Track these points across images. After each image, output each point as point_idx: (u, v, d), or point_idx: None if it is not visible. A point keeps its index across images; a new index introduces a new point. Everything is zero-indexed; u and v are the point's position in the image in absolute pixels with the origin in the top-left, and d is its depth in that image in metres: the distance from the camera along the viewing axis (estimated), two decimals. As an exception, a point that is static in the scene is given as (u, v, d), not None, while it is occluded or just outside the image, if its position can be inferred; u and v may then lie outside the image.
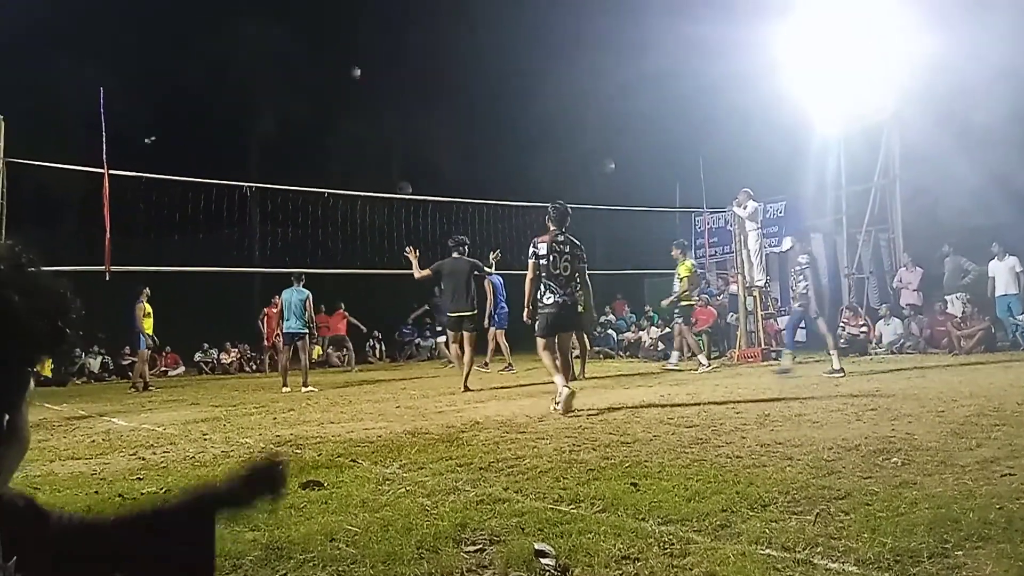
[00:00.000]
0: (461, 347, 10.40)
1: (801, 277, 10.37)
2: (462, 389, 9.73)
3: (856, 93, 15.78)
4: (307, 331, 12.20)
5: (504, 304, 13.72)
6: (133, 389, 13.46)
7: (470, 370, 10.18)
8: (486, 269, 13.02)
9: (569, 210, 7.69)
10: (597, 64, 24.46)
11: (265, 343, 18.54)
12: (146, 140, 22.09)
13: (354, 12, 27.86)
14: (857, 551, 2.58)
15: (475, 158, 26.69)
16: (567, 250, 7.36)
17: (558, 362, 7.32)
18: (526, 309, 7.44)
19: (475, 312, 10.39)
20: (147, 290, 13.57)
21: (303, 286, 12.13)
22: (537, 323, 7.35)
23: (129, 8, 24.24)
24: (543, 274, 7.27)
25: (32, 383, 1.00)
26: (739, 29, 16.46)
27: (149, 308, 13.68)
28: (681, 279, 12.76)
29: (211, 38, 25.64)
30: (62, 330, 0.99)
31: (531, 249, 7.43)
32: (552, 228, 7.47)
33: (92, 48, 22.34)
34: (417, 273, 10.34)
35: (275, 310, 16.25)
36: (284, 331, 12.15)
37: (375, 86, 27.90)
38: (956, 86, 14.16)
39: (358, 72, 15.33)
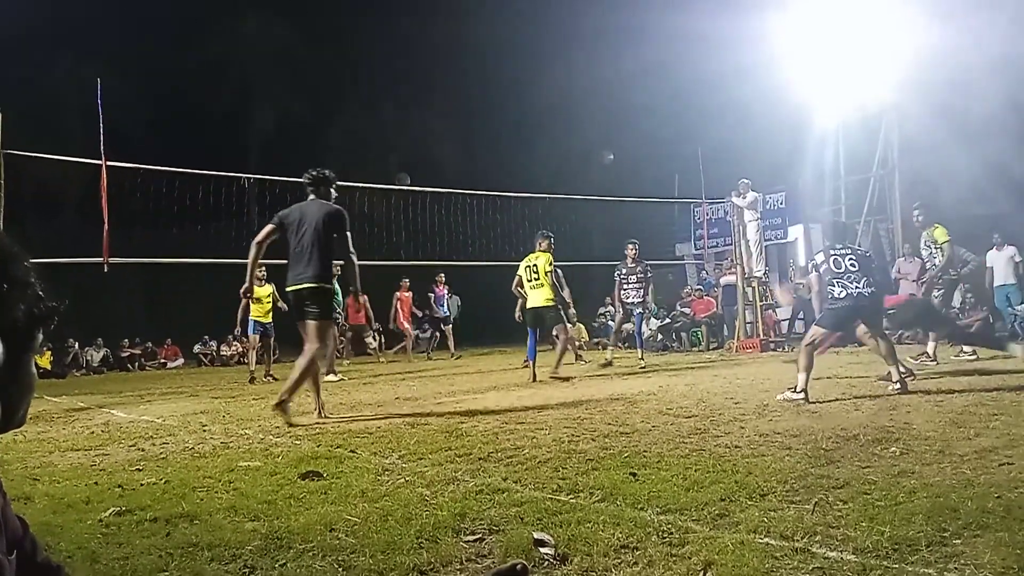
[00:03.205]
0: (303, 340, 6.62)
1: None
2: (278, 407, 6.29)
3: (854, 84, 15.77)
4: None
5: None
6: (268, 378, 12.28)
7: (304, 380, 6.44)
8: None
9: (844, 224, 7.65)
10: (596, 55, 24.44)
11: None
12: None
13: (353, 4, 27.78)
14: (855, 539, 2.59)
15: (474, 149, 26.69)
16: (847, 254, 7.07)
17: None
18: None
19: (322, 287, 6.47)
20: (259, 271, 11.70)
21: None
22: (823, 318, 7.02)
23: (133, 4, 24.18)
24: (827, 276, 6.99)
25: None
26: (738, 21, 16.44)
27: (263, 290, 11.94)
28: (940, 245, 10.00)
29: (210, 30, 25.59)
30: None
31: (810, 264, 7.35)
32: (826, 243, 7.40)
33: (90, 40, 22.29)
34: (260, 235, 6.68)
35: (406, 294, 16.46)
36: None
37: (373, 78, 27.86)
38: (954, 76, 14.15)
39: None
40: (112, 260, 10.22)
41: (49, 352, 17.53)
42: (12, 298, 1.02)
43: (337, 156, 25.23)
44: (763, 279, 14.47)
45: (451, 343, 17.78)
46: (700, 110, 20.88)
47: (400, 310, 17.25)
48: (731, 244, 15.80)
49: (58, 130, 18.08)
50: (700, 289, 17.52)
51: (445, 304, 17.83)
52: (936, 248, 10.16)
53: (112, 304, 13.69)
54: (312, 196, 6.69)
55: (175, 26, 24.96)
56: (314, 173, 6.76)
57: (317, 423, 6.37)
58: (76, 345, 18.81)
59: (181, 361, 19.67)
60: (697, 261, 20.19)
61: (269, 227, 6.60)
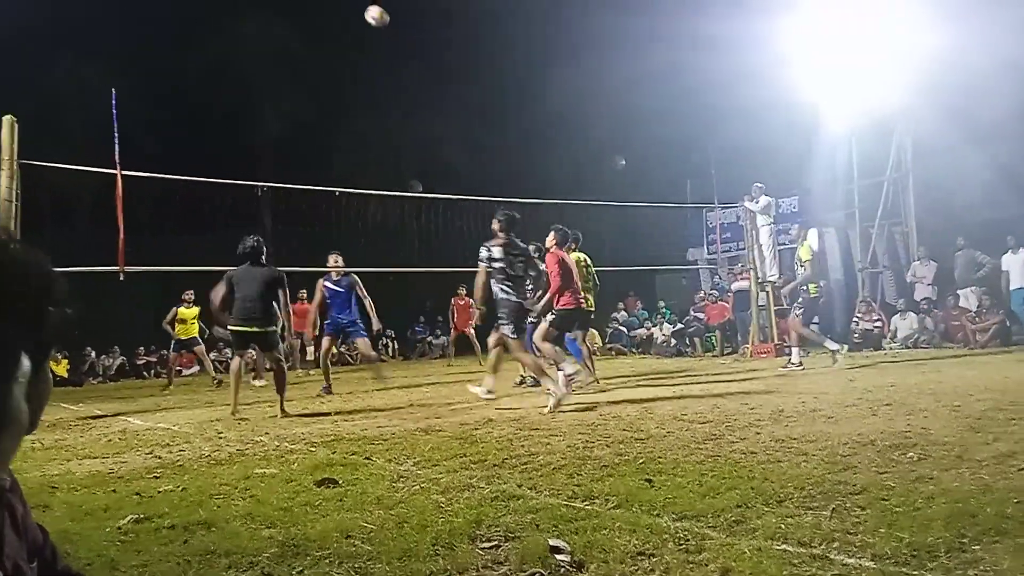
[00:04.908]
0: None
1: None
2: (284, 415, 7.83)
3: (867, 87, 15.68)
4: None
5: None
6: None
7: (285, 386, 8.31)
8: (330, 283, 10.81)
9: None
10: (607, 60, 24.40)
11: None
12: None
13: (362, 10, 27.88)
14: (874, 546, 2.57)
15: (485, 155, 26.67)
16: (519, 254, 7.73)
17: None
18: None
19: (268, 331, 8.22)
20: (185, 294, 13.88)
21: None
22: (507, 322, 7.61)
23: (139, 9, 24.35)
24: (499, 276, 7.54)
25: (25, 364, 1.00)
26: (749, 24, 16.38)
27: (182, 312, 13.88)
28: (804, 263, 10.83)
29: (222, 38, 25.73)
30: (44, 309, 1.00)
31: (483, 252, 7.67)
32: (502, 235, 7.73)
33: (103, 49, 22.47)
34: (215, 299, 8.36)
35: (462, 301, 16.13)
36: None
37: (385, 84, 27.95)
38: (967, 79, 14.04)
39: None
40: (128, 268, 10.28)
41: (66, 360, 17.66)
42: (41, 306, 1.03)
43: (348, 161, 25.35)
44: (777, 284, 14.41)
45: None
46: (711, 114, 20.79)
47: (457, 316, 16.63)
48: (744, 249, 15.75)
49: (73, 138, 18.24)
50: (714, 294, 17.46)
51: None
52: (800, 265, 10.92)
53: (128, 312, 13.82)
54: (251, 264, 8.28)
55: (183, 32, 25.09)
56: (252, 245, 8.36)
57: (333, 432, 6.40)
58: (93, 353, 18.95)
59: (196, 368, 19.73)
60: (711, 266, 20.14)
61: (223, 287, 8.23)
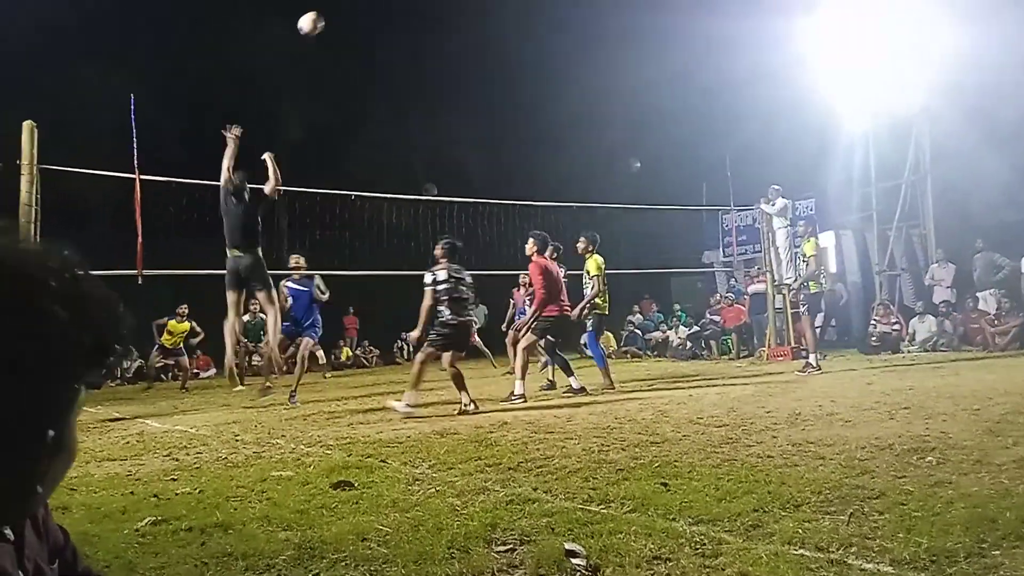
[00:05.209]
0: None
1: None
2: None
3: (885, 88, 15.58)
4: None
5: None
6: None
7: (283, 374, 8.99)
8: (293, 283, 10.59)
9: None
10: (621, 61, 24.35)
11: None
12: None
13: (377, 13, 27.99)
14: (892, 551, 2.55)
15: (499, 158, 26.69)
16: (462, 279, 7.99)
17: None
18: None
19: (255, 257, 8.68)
20: (179, 308, 14.62)
21: None
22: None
23: (155, 12, 24.56)
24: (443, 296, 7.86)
25: (82, 395, 1.02)
26: (766, 24, 16.32)
27: (172, 325, 14.55)
28: (807, 259, 11.09)
29: (238, 43, 25.89)
30: (110, 345, 1.00)
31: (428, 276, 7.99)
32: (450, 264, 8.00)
33: (122, 55, 22.67)
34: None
35: None
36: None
37: (399, 88, 28.06)
38: (986, 81, 13.92)
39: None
40: (146, 272, 10.36)
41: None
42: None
43: (363, 165, 25.44)
44: (793, 286, 14.35)
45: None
46: (728, 115, 20.72)
47: None
48: (760, 251, 15.67)
49: (91, 142, 18.38)
50: (730, 297, 17.39)
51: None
52: (803, 261, 11.24)
53: (145, 316, 14.01)
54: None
55: (203, 33, 25.27)
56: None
57: (349, 435, 6.42)
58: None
59: (213, 371, 19.84)
60: (726, 269, 20.05)
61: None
